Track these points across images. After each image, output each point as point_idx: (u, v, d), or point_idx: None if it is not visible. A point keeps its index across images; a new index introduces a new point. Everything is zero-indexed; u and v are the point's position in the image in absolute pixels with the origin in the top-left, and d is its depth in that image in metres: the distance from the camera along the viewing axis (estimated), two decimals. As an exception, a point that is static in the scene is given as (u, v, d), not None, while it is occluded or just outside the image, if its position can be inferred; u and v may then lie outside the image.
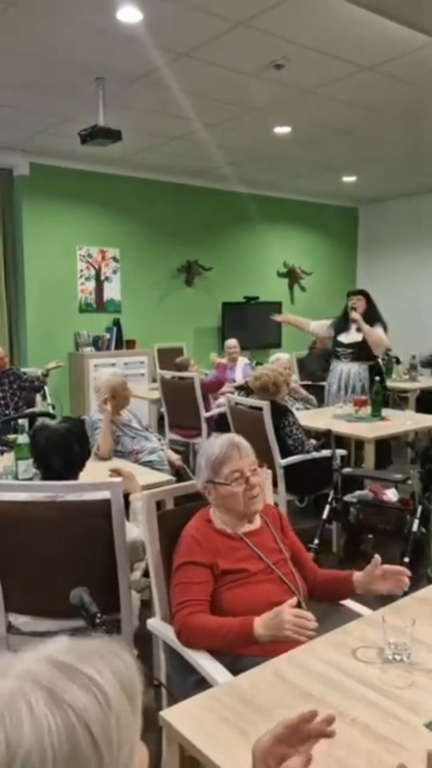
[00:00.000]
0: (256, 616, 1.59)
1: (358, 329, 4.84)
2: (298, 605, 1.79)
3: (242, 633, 1.59)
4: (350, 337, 4.92)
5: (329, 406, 4.89)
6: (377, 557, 1.76)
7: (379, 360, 5.09)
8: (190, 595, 1.71)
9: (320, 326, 5.27)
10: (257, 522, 1.92)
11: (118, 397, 3.45)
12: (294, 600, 1.58)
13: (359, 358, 4.87)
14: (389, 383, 6.09)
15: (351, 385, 4.87)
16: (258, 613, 1.60)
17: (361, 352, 4.86)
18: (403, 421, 4.34)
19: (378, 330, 4.81)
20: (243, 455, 1.89)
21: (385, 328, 4.91)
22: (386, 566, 1.74)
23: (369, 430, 4.01)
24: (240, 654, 1.60)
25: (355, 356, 4.87)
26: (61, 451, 2.22)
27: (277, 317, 5.68)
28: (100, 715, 0.56)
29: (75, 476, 2.26)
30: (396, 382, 6.27)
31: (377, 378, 4.66)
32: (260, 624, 1.58)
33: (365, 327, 4.77)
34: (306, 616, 1.53)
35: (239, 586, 1.77)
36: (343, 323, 5.01)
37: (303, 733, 0.95)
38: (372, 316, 4.86)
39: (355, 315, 4.80)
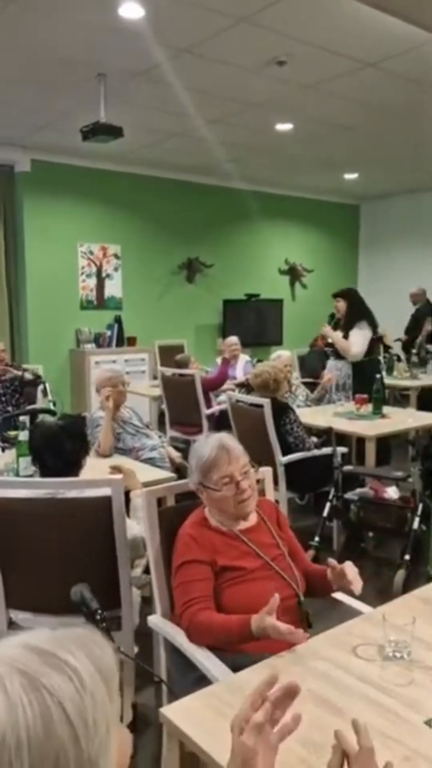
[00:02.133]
0: (254, 615, 1.59)
1: (342, 329, 4.95)
2: (297, 601, 1.80)
3: (241, 633, 1.60)
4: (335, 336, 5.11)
5: (330, 403, 4.92)
6: (329, 561, 1.77)
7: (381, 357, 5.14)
8: (193, 594, 1.72)
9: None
10: (253, 518, 1.92)
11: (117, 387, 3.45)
12: (276, 600, 1.55)
13: (341, 356, 4.99)
14: (390, 381, 6.09)
15: (335, 381, 4.99)
16: (257, 610, 1.60)
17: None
18: (404, 419, 4.34)
19: (352, 334, 4.87)
20: (233, 459, 1.85)
21: (374, 329, 4.95)
22: (340, 568, 1.74)
23: (370, 427, 4.01)
24: (241, 651, 1.60)
25: (337, 354, 5.02)
26: (54, 448, 2.22)
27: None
28: (74, 696, 0.57)
29: (72, 474, 2.25)
30: (397, 379, 6.26)
31: (353, 373, 4.74)
32: (255, 628, 1.58)
33: (332, 335, 4.95)
34: (286, 631, 1.51)
35: (238, 583, 1.77)
36: (335, 326, 5.16)
37: (272, 698, 0.96)
38: (352, 318, 4.91)
39: (324, 330, 5.05)
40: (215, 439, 1.90)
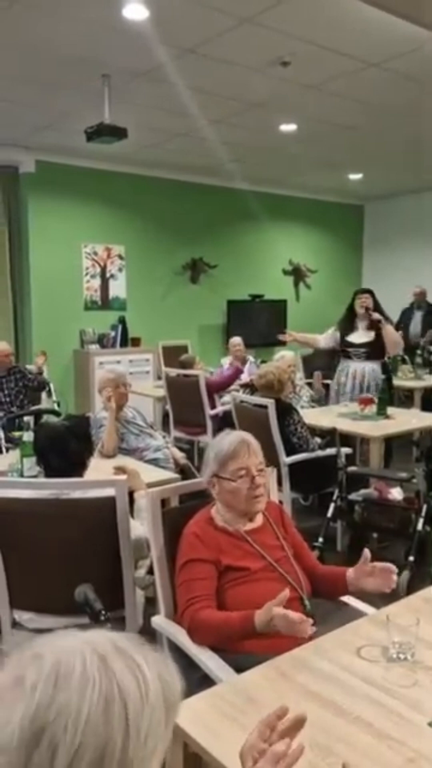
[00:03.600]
0: (257, 610, 1.59)
1: (369, 328, 4.79)
2: (301, 603, 1.80)
3: (244, 628, 1.60)
4: (362, 336, 4.86)
5: (338, 404, 4.86)
6: (366, 551, 1.75)
7: (386, 358, 5.07)
8: (196, 592, 1.72)
9: (329, 338, 5.10)
10: (259, 520, 1.92)
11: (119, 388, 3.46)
12: (285, 593, 1.56)
13: (371, 357, 4.83)
14: (395, 381, 6.08)
15: (366, 384, 4.81)
16: (260, 611, 1.60)
17: (374, 350, 4.83)
18: (408, 420, 4.33)
19: (393, 329, 4.80)
20: (251, 454, 1.89)
21: (392, 325, 4.93)
22: (375, 563, 1.74)
23: (374, 428, 4.01)
24: (244, 651, 1.60)
25: (368, 355, 4.82)
26: (59, 449, 2.23)
27: (284, 337, 5.31)
28: (137, 701, 0.59)
29: (76, 474, 2.25)
30: (401, 380, 6.25)
31: (383, 376, 4.64)
32: (259, 622, 1.58)
33: (388, 328, 4.75)
34: (295, 619, 1.51)
35: (241, 584, 1.77)
36: (349, 323, 4.95)
37: (279, 729, 0.97)
38: (381, 314, 4.83)
39: (377, 315, 4.74)
40: (236, 433, 1.95)
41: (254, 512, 1.89)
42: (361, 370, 4.85)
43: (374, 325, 4.79)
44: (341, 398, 4.90)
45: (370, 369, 4.84)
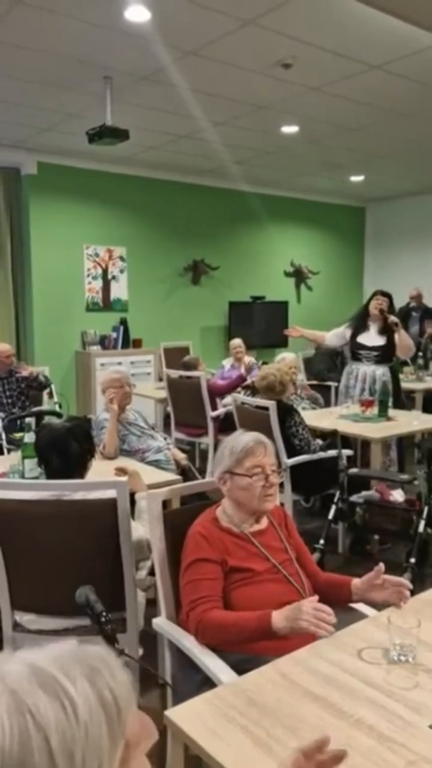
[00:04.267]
0: (274, 611, 1.59)
1: (382, 331, 4.71)
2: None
3: (260, 626, 1.59)
4: (373, 339, 4.77)
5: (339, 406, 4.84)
6: (381, 565, 1.74)
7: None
8: (202, 592, 1.71)
9: (338, 337, 5.00)
10: (263, 522, 1.93)
11: (123, 388, 3.46)
12: (316, 597, 1.57)
13: (382, 361, 4.76)
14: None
15: (375, 387, 4.73)
16: (265, 612, 1.60)
17: (385, 355, 4.75)
18: (409, 421, 4.32)
19: (406, 334, 4.74)
20: (267, 453, 1.92)
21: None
22: (388, 576, 1.73)
23: (375, 430, 4.00)
24: (245, 653, 1.60)
25: (379, 359, 4.75)
26: (59, 450, 2.23)
27: (289, 331, 5.25)
28: (63, 727, 0.53)
29: (77, 476, 2.25)
30: (403, 382, 6.24)
31: (385, 379, 4.63)
32: (279, 617, 1.57)
33: (402, 332, 4.68)
34: (325, 610, 1.52)
35: (246, 585, 1.77)
36: (362, 322, 4.84)
37: (316, 760, 0.96)
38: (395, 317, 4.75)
39: (394, 318, 4.66)
40: (253, 433, 1.97)
41: (264, 511, 1.90)
42: (371, 373, 4.76)
43: (387, 329, 4.70)
44: (349, 401, 4.79)
45: (380, 373, 4.75)
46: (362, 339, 4.81)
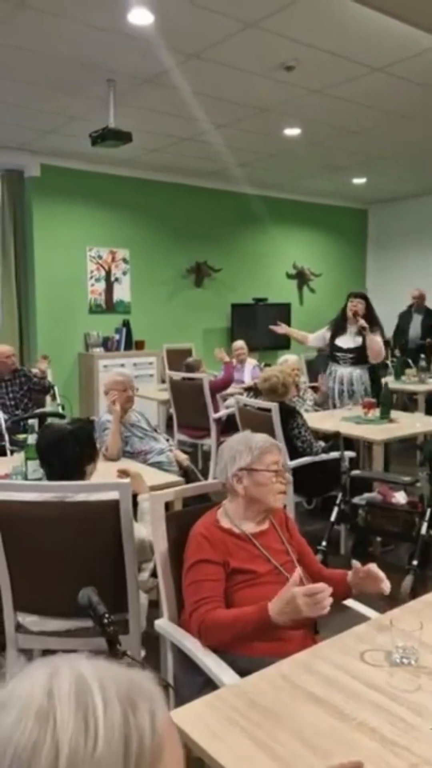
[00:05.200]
0: (269, 602, 1.59)
1: (358, 333, 4.73)
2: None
3: (261, 618, 1.59)
4: (349, 341, 4.81)
5: (335, 408, 4.84)
6: (354, 563, 1.78)
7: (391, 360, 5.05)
8: (205, 593, 1.71)
9: (318, 338, 5.09)
10: (265, 523, 1.93)
11: (126, 392, 3.47)
12: (297, 575, 1.58)
13: (358, 362, 4.78)
14: (399, 385, 6.07)
15: (353, 389, 4.79)
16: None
17: (360, 356, 4.77)
18: (411, 423, 4.32)
19: (377, 338, 4.73)
20: (280, 454, 1.98)
21: (382, 333, 4.85)
22: (366, 568, 1.75)
23: (378, 432, 4.00)
24: (248, 654, 1.60)
25: (355, 361, 4.79)
26: (57, 451, 2.23)
27: (278, 329, 5.41)
28: (78, 745, 0.51)
29: (75, 479, 2.23)
30: (405, 384, 6.24)
31: (371, 380, 4.69)
32: (275, 610, 1.57)
33: (370, 337, 4.68)
34: (316, 589, 1.53)
35: (248, 587, 1.77)
36: (340, 324, 4.89)
37: None
38: (371, 321, 4.76)
39: (364, 323, 4.68)
40: (263, 435, 2.01)
41: (275, 508, 1.93)
42: (348, 375, 4.81)
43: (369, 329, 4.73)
44: (329, 402, 4.90)
45: (357, 374, 4.79)
46: (339, 341, 4.85)
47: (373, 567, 1.75)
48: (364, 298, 4.84)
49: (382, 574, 1.74)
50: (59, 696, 0.53)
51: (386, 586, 1.72)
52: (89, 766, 0.51)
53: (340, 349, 4.85)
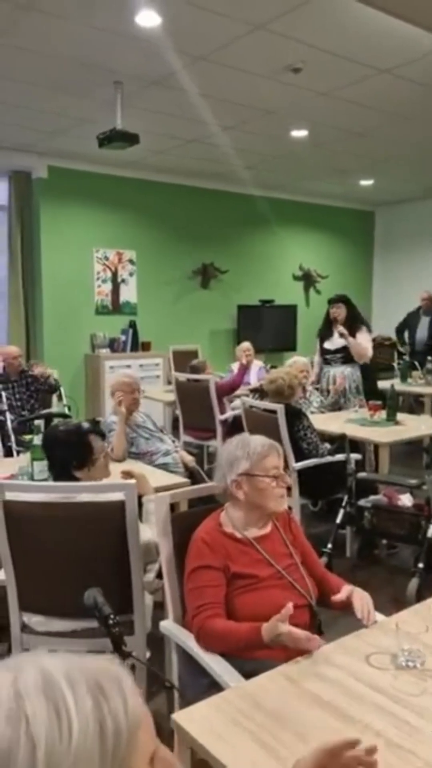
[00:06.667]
0: (264, 623, 1.58)
1: (342, 335, 4.99)
2: (310, 610, 1.79)
3: (252, 639, 1.60)
4: (335, 342, 5.08)
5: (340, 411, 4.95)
6: (342, 593, 1.77)
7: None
8: (206, 599, 1.72)
9: (317, 354, 5.36)
10: (268, 526, 1.92)
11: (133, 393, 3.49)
12: (290, 608, 1.54)
13: (347, 361, 5.05)
14: (405, 387, 6.06)
15: (345, 386, 5.01)
16: (268, 618, 1.59)
17: (349, 354, 5.05)
18: (417, 426, 4.31)
19: (361, 338, 4.96)
20: (279, 456, 1.95)
21: (369, 329, 5.12)
22: (351, 596, 1.74)
23: (384, 434, 3.99)
24: (253, 657, 1.60)
25: (344, 359, 5.06)
26: (48, 453, 2.28)
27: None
28: (54, 741, 0.51)
29: (66, 480, 2.23)
30: (411, 386, 6.23)
31: (362, 378, 4.80)
32: (266, 635, 1.57)
33: (350, 340, 4.95)
34: (301, 639, 1.50)
35: (250, 591, 1.77)
36: (327, 330, 5.16)
37: (343, 758, 0.94)
38: (354, 320, 5.02)
39: (341, 329, 4.95)
40: (260, 436, 1.98)
41: (277, 513, 1.91)
42: (340, 374, 5.04)
43: (349, 330, 4.97)
44: (340, 401, 5.08)
45: (348, 372, 5.05)
46: (327, 344, 5.18)
47: (355, 596, 1.73)
48: (344, 300, 5.12)
49: (360, 608, 1.70)
50: (27, 694, 0.53)
51: (367, 620, 1.67)
52: (67, 758, 0.51)
53: (329, 351, 5.17)
